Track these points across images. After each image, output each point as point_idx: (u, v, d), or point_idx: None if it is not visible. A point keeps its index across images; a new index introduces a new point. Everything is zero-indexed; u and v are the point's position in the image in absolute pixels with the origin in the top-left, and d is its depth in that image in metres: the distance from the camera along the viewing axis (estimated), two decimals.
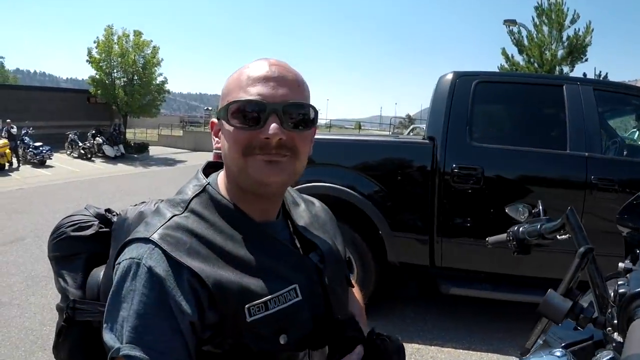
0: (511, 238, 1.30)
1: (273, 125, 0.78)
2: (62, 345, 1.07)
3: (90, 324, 1.02)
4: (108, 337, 0.72)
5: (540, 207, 1.30)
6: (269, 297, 0.79)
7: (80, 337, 1.05)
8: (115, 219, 1.14)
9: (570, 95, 3.55)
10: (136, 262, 0.75)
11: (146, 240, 0.77)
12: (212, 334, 0.76)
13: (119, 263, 0.78)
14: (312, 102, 0.87)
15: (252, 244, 0.83)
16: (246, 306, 0.76)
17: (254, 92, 0.80)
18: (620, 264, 0.91)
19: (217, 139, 0.90)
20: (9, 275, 5.21)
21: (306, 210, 1.03)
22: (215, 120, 0.91)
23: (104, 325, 0.74)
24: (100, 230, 1.13)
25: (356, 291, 1.17)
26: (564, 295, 0.87)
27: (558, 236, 1.15)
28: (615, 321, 0.75)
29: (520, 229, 1.28)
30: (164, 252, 0.75)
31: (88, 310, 1.03)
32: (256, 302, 0.77)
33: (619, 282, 0.72)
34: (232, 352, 0.77)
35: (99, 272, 1.09)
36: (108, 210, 1.19)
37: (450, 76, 3.76)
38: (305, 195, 1.11)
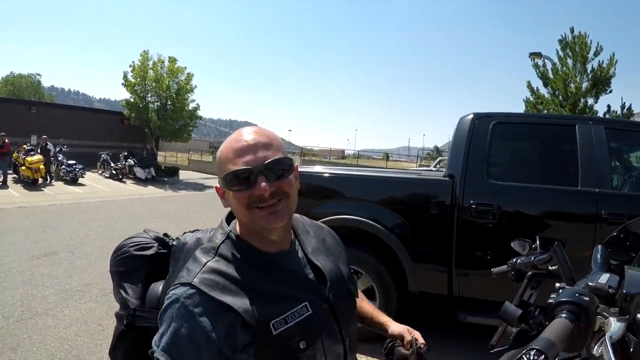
0: (510, 269, 1.51)
1: (262, 184, 1.00)
2: (120, 348, 1.28)
3: (147, 329, 1.20)
4: (155, 339, 0.94)
5: (538, 242, 1.53)
6: (287, 314, 1.00)
7: (137, 341, 1.23)
8: (174, 242, 1.36)
9: (582, 135, 3.70)
10: (176, 297, 0.96)
11: (189, 285, 0.97)
12: (246, 347, 0.96)
13: (169, 292, 0.99)
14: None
15: (270, 275, 1.05)
16: (270, 323, 0.97)
17: (240, 162, 1.01)
18: (557, 284, 1.14)
19: (223, 199, 1.10)
20: (44, 287, 5.42)
21: (314, 237, 1.24)
22: (218, 185, 1.10)
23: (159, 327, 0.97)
24: (159, 251, 1.36)
25: (363, 297, 1.51)
26: (517, 305, 1.14)
27: (549, 267, 1.37)
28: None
29: (518, 261, 1.49)
30: (203, 293, 0.95)
31: (147, 317, 1.23)
32: (277, 319, 0.98)
33: (551, 295, 0.95)
34: (266, 354, 0.98)
35: (158, 286, 1.28)
36: (165, 235, 1.42)
37: (470, 117, 3.98)
38: (316, 222, 1.35)
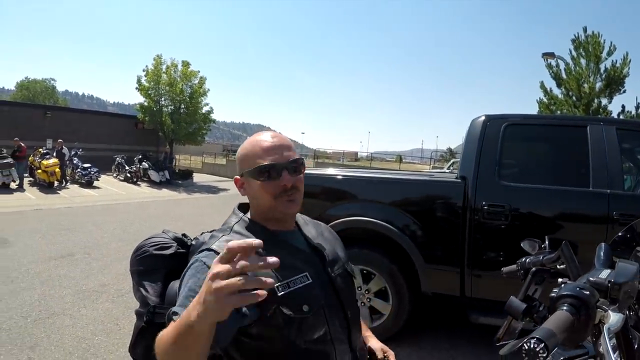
0: (519, 268, 1.56)
1: (287, 177, 1.22)
2: (140, 344, 1.31)
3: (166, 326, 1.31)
4: (174, 308, 1.01)
5: (547, 242, 1.58)
6: (289, 279, 1.16)
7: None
8: (193, 242, 1.44)
9: (594, 135, 3.69)
10: (196, 258, 1.13)
11: (206, 249, 1.15)
12: (252, 305, 1.02)
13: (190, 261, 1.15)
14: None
15: (276, 247, 1.14)
16: (275, 285, 1.10)
17: (268, 159, 1.22)
18: (559, 279, 1.18)
19: (242, 189, 1.31)
20: (61, 287, 5.51)
21: (313, 228, 1.43)
22: (238, 177, 1.30)
23: None
24: (178, 251, 1.42)
25: None
26: (522, 300, 1.20)
27: (557, 265, 1.41)
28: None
29: (527, 260, 1.53)
30: (219, 253, 1.08)
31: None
32: (281, 282, 1.13)
33: (553, 290, 0.99)
34: (274, 317, 1.11)
35: (177, 285, 1.30)
36: (184, 235, 1.49)
37: (481, 119, 3.99)
38: (314, 220, 1.52)
